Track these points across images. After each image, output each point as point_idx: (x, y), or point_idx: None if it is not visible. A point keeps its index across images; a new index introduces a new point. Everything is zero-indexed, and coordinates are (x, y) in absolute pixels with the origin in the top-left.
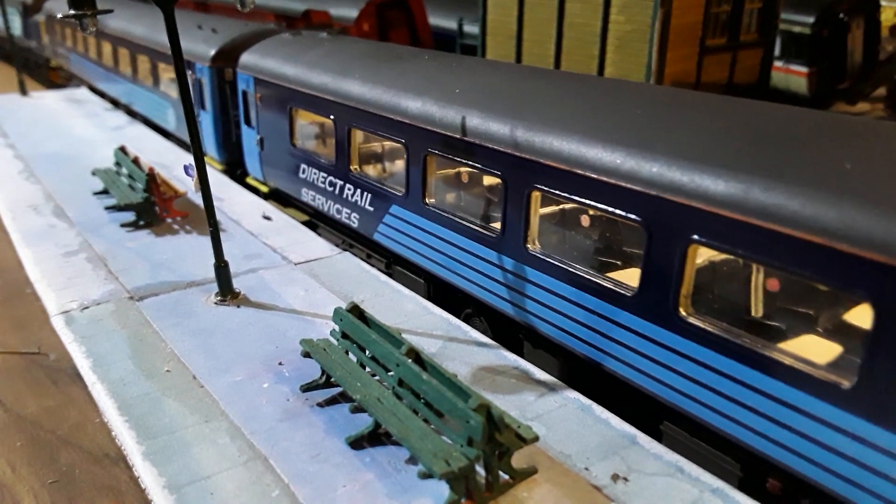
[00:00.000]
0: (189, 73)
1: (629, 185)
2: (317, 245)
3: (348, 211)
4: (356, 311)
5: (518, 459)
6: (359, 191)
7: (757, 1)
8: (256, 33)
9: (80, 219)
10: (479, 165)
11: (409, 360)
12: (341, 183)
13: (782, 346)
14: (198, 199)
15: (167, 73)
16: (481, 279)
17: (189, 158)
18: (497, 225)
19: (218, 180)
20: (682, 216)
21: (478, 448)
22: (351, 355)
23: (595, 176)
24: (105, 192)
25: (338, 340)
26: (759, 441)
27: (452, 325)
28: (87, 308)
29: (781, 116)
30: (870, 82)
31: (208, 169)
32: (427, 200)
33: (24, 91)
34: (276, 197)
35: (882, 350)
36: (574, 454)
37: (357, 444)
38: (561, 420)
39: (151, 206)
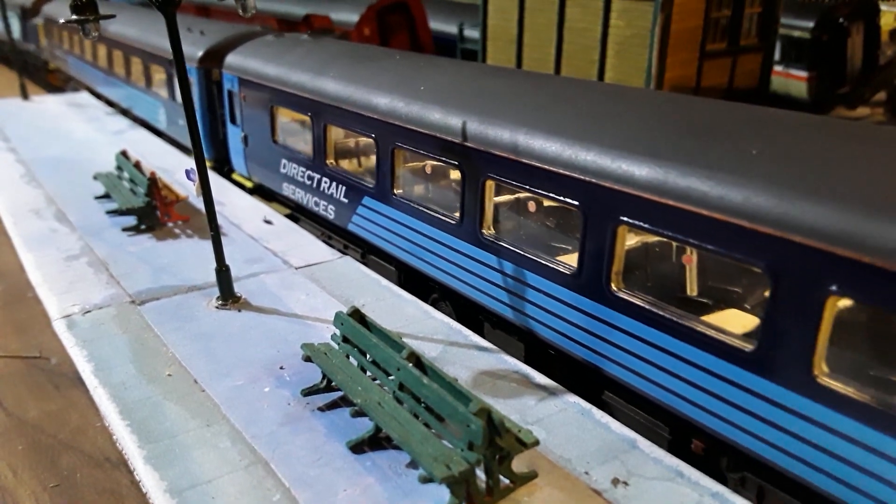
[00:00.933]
0: None
1: (569, 173)
2: (318, 249)
3: (325, 203)
4: (357, 315)
5: (518, 463)
6: (334, 184)
7: (757, 6)
8: (242, 35)
9: (82, 223)
10: (441, 158)
11: (410, 365)
12: (318, 177)
13: (702, 317)
14: (199, 203)
15: (158, 74)
16: (443, 264)
17: (190, 163)
18: (457, 213)
19: (219, 184)
20: (613, 200)
21: (478, 452)
22: (352, 359)
23: (538, 164)
24: (106, 196)
25: (339, 345)
26: (681, 403)
27: (453, 330)
28: (88, 312)
29: (711, 111)
30: (870, 87)
31: (209, 173)
32: (395, 191)
33: (25, 95)
34: (260, 192)
35: (775, 315)
36: (574, 458)
37: (358, 448)
38: (561, 424)
39: (153, 211)
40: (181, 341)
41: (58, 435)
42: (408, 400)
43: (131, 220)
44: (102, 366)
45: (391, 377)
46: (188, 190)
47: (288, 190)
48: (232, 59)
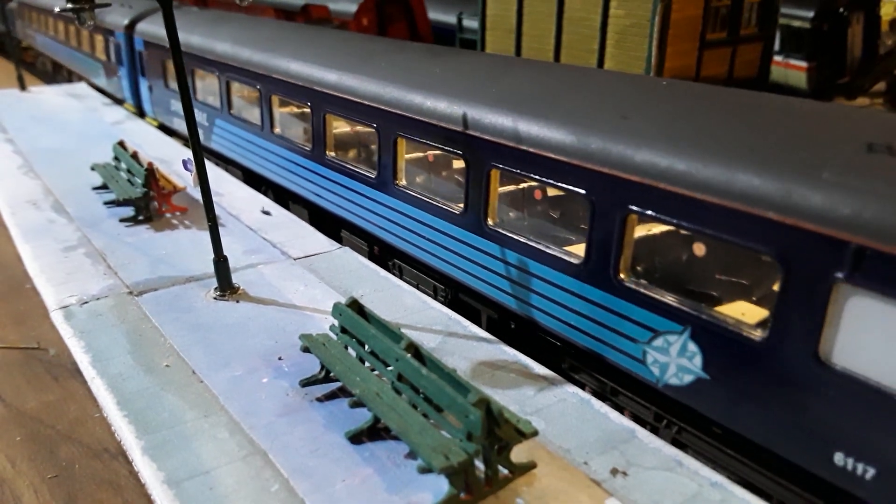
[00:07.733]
0: (111, 38)
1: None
2: (316, 240)
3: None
4: (355, 305)
5: (517, 454)
6: (201, 113)
7: None
8: (153, 8)
9: (80, 214)
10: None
11: (409, 355)
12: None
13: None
14: (197, 193)
15: (98, 42)
16: (263, 163)
17: (187, 153)
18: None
19: (217, 175)
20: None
21: (477, 443)
22: (350, 350)
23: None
24: (104, 187)
25: (337, 335)
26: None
27: (452, 320)
28: (86, 303)
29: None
30: (869, 77)
31: (207, 163)
32: (231, 112)
33: (22, 86)
34: (164, 130)
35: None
36: (573, 448)
37: (356, 438)
38: (560, 414)
39: (150, 201)
40: (179, 332)
41: (56, 426)
42: (406, 390)
43: (129, 211)
44: (100, 356)
45: (390, 368)
46: (186, 180)
47: (177, 125)
48: (140, 26)
